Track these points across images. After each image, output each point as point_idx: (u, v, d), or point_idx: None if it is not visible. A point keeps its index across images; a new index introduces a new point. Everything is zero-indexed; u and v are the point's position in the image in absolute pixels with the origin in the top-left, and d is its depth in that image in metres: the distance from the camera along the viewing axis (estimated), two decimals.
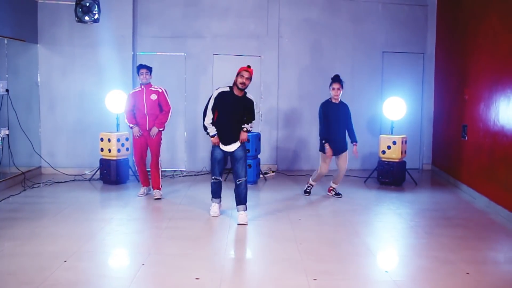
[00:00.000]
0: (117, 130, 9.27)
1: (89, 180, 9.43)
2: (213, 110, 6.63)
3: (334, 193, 8.39)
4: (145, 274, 4.92)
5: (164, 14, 10.31)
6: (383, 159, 9.31)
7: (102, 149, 9.08)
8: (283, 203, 7.92)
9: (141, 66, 8.05)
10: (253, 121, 6.78)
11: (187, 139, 10.55)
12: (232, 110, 6.58)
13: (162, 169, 8.31)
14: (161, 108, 8.03)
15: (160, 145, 8.15)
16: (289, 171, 10.62)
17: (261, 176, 9.80)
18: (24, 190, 8.47)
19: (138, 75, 8.05)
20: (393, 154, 9.17)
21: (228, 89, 6.61)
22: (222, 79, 10.05)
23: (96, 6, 9.06)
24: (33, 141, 9.49)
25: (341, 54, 10.75)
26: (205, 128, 6.76)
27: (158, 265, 5.20)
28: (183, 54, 10.44)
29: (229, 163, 6.95)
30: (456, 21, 9.64)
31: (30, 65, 9.65)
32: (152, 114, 7.99)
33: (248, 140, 6.99)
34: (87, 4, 9.00)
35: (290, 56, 10.68)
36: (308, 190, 8.47)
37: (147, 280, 4.82)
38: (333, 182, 8.37)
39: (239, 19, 10.51)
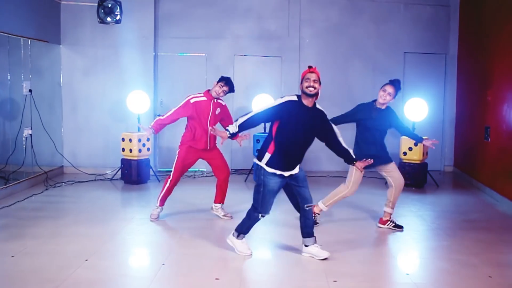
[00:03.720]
0: (138, 131, 9.32)
1: (110, 179, 9.50)
2: (273, 120, 5.18)
3: (393, 224, 6.50)
4: (165, 274, 4.95)
5: (185, 15, 10.34)
6: (404, 161, 9.23)
7: (123, 149, 9.15)
8: None
9: (227, 83, 6.64)
10: (342, 141, 5.57)
11: None
12: (302, 125, 5.12)
13: None
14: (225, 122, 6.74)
15: None
16: (311, 172, 10.56)
17: None
18: (47, 189, 8.57)
19: (217, 83, 6.63)
20: (415, 156, 9.09)
21: (295, 98, 5.17)
22: (243, 80, 10.09)
23: (118, 7, 9.14)
24: (55, 141, 9.59)
25: (362, 54, 10.68)
26: (235, 130, 5.12)
27: (178, 264, 5.22)
28: (203, 54, 10.47)
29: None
30: (479, 21, 9.53)
31: (52, 65, 9.76)
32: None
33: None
34: (109, 5, 9.08)
35: (311, 57, 10.62)
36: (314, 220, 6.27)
37: (167, 279, 4.85)
38: (388, 206, 6.48)
39: (260, 20, 10.50)
